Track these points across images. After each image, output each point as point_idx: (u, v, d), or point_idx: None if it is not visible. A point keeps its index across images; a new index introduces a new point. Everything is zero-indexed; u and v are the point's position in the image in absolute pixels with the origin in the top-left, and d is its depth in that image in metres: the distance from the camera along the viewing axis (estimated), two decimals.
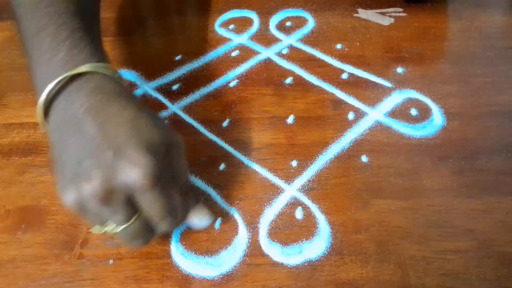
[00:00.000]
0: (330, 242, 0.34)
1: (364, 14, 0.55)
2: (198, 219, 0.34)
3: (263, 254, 0.33)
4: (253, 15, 0.55)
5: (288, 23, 0.54)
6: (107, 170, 0.27)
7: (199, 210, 0.34)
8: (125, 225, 0.29)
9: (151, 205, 0.28)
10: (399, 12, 0.55)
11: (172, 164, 0.30)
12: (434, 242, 0.34)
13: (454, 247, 0.33)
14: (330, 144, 0.41)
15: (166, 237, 0.35)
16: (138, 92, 0.46)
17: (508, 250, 0.33)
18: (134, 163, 0.27)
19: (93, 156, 0.27)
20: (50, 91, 0.29)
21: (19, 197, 0.38)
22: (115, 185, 0.27)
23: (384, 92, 0.45)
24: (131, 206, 0.28)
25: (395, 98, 0.44)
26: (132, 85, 0.47)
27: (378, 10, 0.55)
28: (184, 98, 0.45)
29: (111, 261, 0.33)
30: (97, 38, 0.35)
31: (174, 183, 0.30)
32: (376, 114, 0.43)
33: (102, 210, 0.28)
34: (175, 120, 0.43)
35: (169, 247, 0.34)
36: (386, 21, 0.54)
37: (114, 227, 0.29)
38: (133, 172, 0.26)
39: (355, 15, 0.55)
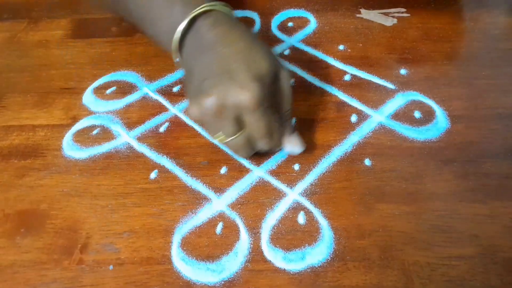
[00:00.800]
0: (333, 248, 0.33)
1: (366, 14, 0.54)
2: (291, 145, 0.38)
3: (265, 260, 0.33)
4: (254, 16, 0.55)
5: (290, 24, 0.53)
6: (222, 90, 0.33)
7: (294, 138, 0.38)
8: (231, 138, 0.35)
9: (253, 124, 0.35)
10: (402, 12, 0.55)
11: (277, 92, 0.36)
12: (438, 248, 0.33)
13: (459, 253, 0.33)
14: (333, 147, 0.40)
15: (167, 243, 0.34)
16: (138, 94, 0.46)
17: None
18: (244, 87, 0.33)
19: (213, 77, 0.34)
20: (182, 30, 0.37)
21: (18, 201, 0.37)
22: (226, 103, 0.33)
23: (387, 94, 0.45)
24: (238, 123, 0.35)
25: (399, 101, 0.44)
26: (133, 87, 0.47)
27: (381, 11, 0.55)
28: (185, 100, 0.45)
29: (111, 267, 0.33)
30: None
31: (276, 109, 0.36)
32: (379, 116, 0.42)
33: (215, 122, 0.35)
34: (176, 122, 0.43)
35: (170, 252, 0.34)
36: (389, 21, 0.53)
37: (223, 138, 0.36)
38: (242, 95, 0.33)
39: (358, 15, 0.54)
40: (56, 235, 0.35)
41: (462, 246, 0.33)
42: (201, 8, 0.37)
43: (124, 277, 0.32)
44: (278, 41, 0.51)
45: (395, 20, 0.53)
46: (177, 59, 0.39)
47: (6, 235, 0.35)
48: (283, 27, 0.53)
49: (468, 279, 0.31)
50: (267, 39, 0.51)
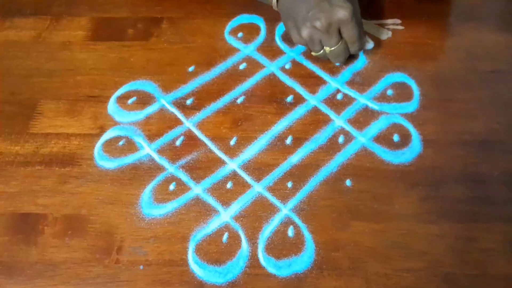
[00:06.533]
0: (314, 258, 0.43)
1: (364, 24, 0.59)
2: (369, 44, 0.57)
3: (260, 266, 0.43)
4: (260, 22, 0.59)
5: None
6: (327, 12, 0.48)
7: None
8: (334, 47, 0.51)
9: (350, 32, 0.50)
10: (397, 24, 0.59)
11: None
12: (395, 261, 0.43)
13: (410, 266, 0.42)
14: (321, 167, 0.48)
15: (184, 248, 0.43)
16: (156, 105, 0.52)
17: (452, 271, 0.42)
18: (341, 6, 0.48)
19: (316, 7, 0.49)
20: None
21: (63, 206, 0.46)
22: (332, 20, 0.48)
23: (372, 115, 0.51)
24: (339, 35, 0.50)
25: (382, 123, 0.51)
26: (151, 98, 0.53)
27: (377, 21, 0.59)
28: (197, 113, 0.52)
29: (141, 267, 0.43)
30: None
31: (360, 21, 0.52)
32: (363, 138, 0.50)
33: (323, 38, 0.50)
34: (190, 136, 0.50)
35: (187, 256, 0.43)
36: (384, 35, 0.58)
37: (327, 50, 0.51)
38: (342, 12, 0.48)
39: None
40: (97, 238, 0.44)
41: (413, 261, 0.43)
42: None
43: (152, 276, 0.42)
44: (281, 52, 0.56)
45: (389, 34, 0.58)
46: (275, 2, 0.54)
47: (57, 236, 0.45)
48: (285, 37, 0.58)
49: None
50: (271, 50, 0.57)
